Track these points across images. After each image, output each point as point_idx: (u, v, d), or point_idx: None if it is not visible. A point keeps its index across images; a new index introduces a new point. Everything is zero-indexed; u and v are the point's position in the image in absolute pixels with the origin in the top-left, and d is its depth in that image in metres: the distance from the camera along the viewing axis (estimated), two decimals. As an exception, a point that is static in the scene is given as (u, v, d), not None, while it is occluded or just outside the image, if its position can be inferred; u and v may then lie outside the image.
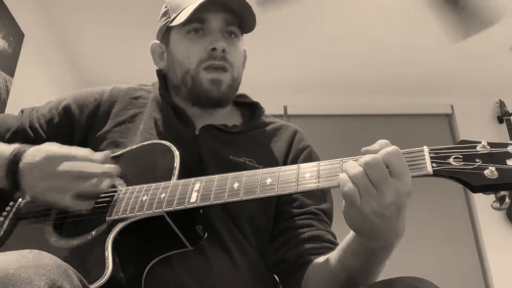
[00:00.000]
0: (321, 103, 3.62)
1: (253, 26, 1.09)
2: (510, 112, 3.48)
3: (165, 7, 1.12)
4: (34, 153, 0.89)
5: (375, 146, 0.72)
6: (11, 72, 2.43)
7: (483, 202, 3.29)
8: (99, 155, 0.89)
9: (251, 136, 1.09)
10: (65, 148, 0.89)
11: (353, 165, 0.70)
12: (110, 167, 0.87)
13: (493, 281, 3.11)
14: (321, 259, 0.90)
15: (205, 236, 0.89)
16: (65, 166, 0.85)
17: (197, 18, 1.03)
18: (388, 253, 0.78)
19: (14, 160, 0.89)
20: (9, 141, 1.06)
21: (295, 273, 0.94)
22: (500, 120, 3.52)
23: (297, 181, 0.75)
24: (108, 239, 0.80)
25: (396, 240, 0.76)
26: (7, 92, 2.39)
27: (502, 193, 0.70)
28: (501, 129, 3.47)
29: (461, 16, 2.10)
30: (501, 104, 3.52)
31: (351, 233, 0.79)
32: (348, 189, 0.69)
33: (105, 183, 0.86)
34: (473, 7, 2.09)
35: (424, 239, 3.22)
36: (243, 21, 1.07)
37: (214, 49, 1.03)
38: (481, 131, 3.45)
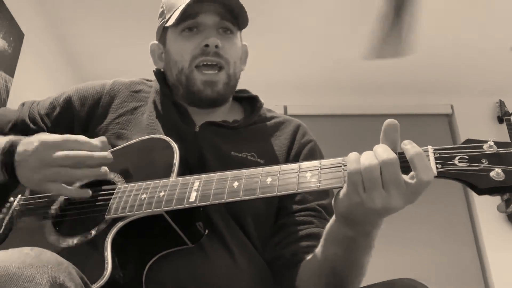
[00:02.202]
0: (321, 103, 3.62)
1: (246, 21, 1.08)
2: (510, 112, 3.48)
3: (161, 7, 1.12)
4: (28, 141, 0.87)
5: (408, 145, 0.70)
6: (11, 72, 2.43)
7: (483, 201, 3.29)
8: (94, 141, 0.88)
9: (253, 131, 1.08)
10: (60, 135, 0.87)
11: (371, 157, 0.69)
12: (103, 154, 0.86)
13: (493, 281, 3.10)
14: (310, 255, 0.90)
15: (205, 233, 0.88)
16: (59, 154, 0.84)
17: (189, 15, 1.03)
18: (369, 242, 0.78)
19: (10, 150, 0.87)
20: (9, 133, 1.05)
21: (289, 271, 0.93)
22: (500, 120, 3.52)
23: (298, 181, 0.74)
24: (107, 239, 0.80)
25: (374, 231, 0.76)
26: (7, 92, 2.39)
27: (508, 195, 0.68)
28: (501, 129, 3.47)
29: (390, 37, 2.13)
30: (501, 104, 3.52)
31: (331, 220, 0.79)
32: (356, 173, 0.68)
33: (101, 171, 0.86)
34: (401, 34, 2.13)
35: (424, 239, 3.22)
36: (237, 16, 1.06)
37: (207, 45, 1.02)
38: (481, 131, 3.45)
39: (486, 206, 3.29)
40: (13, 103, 2.38)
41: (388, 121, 0.72)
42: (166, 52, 1.10)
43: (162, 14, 1.11)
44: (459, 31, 3.01)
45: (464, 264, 3.21)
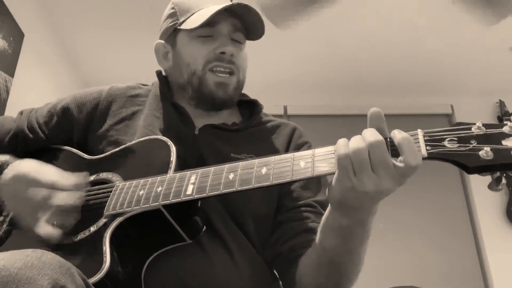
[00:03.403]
0: (321, 103, 3.63)
1: (262, 34, 1.12)
2: (510, 112, 3.48)
3: (172, 8, 1.12)
4: (10, 169, 0.91)
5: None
6: (11, 72, 2.43)
7: (483, 201, 3.30)
8: (71, 180, 0.88)
9: (251, 133, 1.10)
10: (36, 171, 0.89)
11: (358, 140, 0.70)
12: (73, 198, 0.86)
13: (493, 281, 3.11)
14: (308, 249, 0.91)
15: (203, 229, 0.89)
16: (29, 192, 0.85)
17: (209, 23, 1.04)
18: (364, 230, 0.78)
19: None
20: (9, 143, 1.07)
21: (289, 267, 0.94)
22: (500, 120, 3.52)
23: (292, 169, 0.75)
24: (106, 234, 0.80)
25: (369, 219, 0.76)
26: (7, 92, 2.39)
27: (498, 173, 0.69)
28: (501, 129, 3.47)
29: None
30: (501, 104, 3.52)
31: (327, 211, 0.80)
32: (345, 157, 0.69)
33: (68, 219, 0.85)
34: None
35: (423, 239, 3.23)
36: (251, 29, 1.10)
37: (223, 52, 1.05)
38: (481, 131, 3.45)
39: (486, 206, 3.29)
40: (13, 103, 2.39)
41: (372, 110, 0.73)
42: (176, 53, 1.11)
43: (173, 15, 1.11)
44: (459, 31, 3.01)
45: (464, 264, 3.21)
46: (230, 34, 1.08)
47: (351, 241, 0.79)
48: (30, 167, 0.90)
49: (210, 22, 1.05)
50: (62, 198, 0.85)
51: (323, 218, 0.82)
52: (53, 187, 0.86)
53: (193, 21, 1.05)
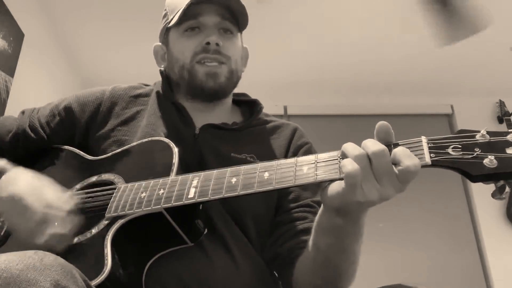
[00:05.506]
0: (321, 103, 3.63)
1: (246, 22, 1.11)
2: (510, 112, 3.48)
3: (165, 9, 1.15)
4: (6, 181, 0.88)
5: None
6: (11, 72, 2.43)
7: (483, 202, 3.29)
8: (66, 203, 0.86)
9: (252, 133, 1.10)
10: (33, 190, 0.86)
11: (363, 157, 0.68)
12: (66, 226, 0.83)
13: (494, 282, 3.11)
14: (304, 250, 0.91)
15: (205, 232, 0.89)
16: (25, 216, 0.82)
17: (191, 15, 1.06)
18: (358, 228, 0.78)
19: None
20: (10, 143, 1.07)
21: (286, 268, 0.94)
22: (500, 120, 3.52)
23: (295, 174, 0.74)
24: (107, 236, 0.80)
25: (362, 218, 0.76)
26: (7, 92, 2.39)
27: (502, 182, 0.69)
28: (501, 129, 3.44)
29: (450, 20, 2.09)
30: (501, 104, 3.52)
31: (320, 211, 0.80)
32: (355, 175, 0.67)
33: (59, 244, 0.82)
34: (462, 12, 2.08)
35: (425, 240, 3.23)
36: (238, 16, 1.09)
37: (208, 43, 1.05)
38: (481, 131, 3.45)
39: (487, 207, 3.29)
40: (13, 103, 2.38)
41: (380, 123, 0.72)
42: (169, 51, 1.13)
43: (165, 16, 1.14)
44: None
45: (465, 265, 3.21)
46: (217, 25, 1.08)
47: (345, 239, 0.79)
48: (26, 186, 0.86)
49: (193, 15, 1.06)
50: (55, 227, 0.82)
51: (316, 218, 0.82)
52: (48, 212, 0.82)
53: (177, 16, 1.07)
